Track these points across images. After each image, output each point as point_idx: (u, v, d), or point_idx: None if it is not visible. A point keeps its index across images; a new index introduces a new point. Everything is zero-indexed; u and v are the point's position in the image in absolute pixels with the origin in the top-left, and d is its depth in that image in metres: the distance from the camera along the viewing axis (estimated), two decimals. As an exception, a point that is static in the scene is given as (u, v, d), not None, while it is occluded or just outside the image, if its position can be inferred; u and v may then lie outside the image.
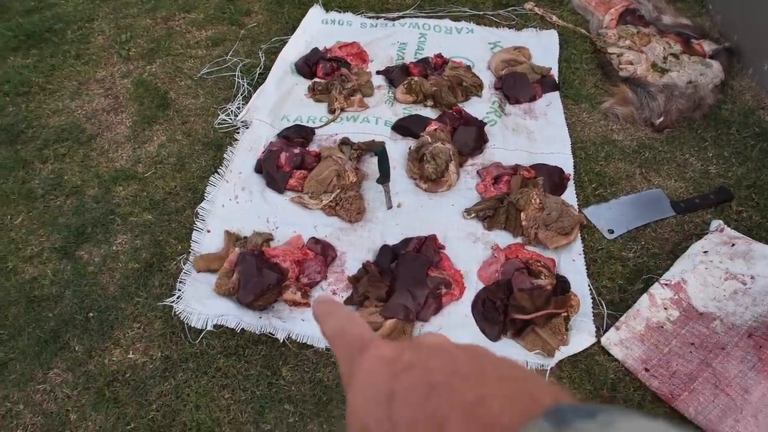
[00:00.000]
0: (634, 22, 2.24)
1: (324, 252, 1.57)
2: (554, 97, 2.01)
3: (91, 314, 1.52)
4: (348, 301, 1.50)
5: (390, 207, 1.68)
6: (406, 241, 1.57)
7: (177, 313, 1.48)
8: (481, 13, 2.38)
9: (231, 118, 1.97)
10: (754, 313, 1.42)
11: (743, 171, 1.81)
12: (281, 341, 1.43)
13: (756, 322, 1.40)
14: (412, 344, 0.25)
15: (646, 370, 1.40)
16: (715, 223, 1.60)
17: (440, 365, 0.23)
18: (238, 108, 2.00)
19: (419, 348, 0.25)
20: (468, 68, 2.08)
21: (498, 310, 1.45)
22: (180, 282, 1.54)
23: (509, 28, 2.31)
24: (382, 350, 0.25)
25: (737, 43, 2.16)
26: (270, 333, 1.45)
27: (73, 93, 2.13)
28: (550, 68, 2.09)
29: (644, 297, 1.48)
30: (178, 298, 1.51)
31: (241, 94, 2.05)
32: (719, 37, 2.21)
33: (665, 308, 1.47)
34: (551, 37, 2.23)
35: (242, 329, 1.45)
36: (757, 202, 1.72)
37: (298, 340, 1.44)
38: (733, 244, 1.54)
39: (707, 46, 2.13)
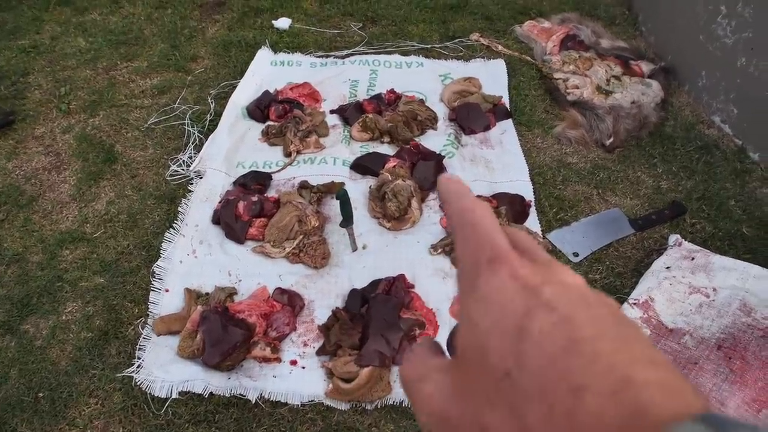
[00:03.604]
0: (575, 48, 2.33)
1: (291, 302, 1.52)
2: (508, 124, 2.05)
3: (41, 394, 1.40)
4: (320, 351, 1.44)
5: (355, 249, 1.64)
6: (375, 283, 1.53)
7: (138, 383, 1.38)
8: (428, 46, 2.42)
9: (183, 169, 1.90)
10: (720, 324, 1.45)
11: (692, 184, 1.88)
12: (253, 402, 1.36)
13: (723, 334, 1.43)
14: (552, 277, 0.22)
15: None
16: (673, 238, 1.65)
17: (585, 320, 0.20)
18: (190, 157, 1.94)
19: (562, 287, 0.21)
20: (421, 102, 2.09)
21: (474, 346, 1.42)
22: (139, 348, 1.45)
23: (457, 60, 2.35)
24: (519, 271, 0.22)
25: (672, 62, 2.28)
26: (240, 394, 1.37)
27: (9, 153, 2.01)
28: (501, 96, 2.13)
29: (615, 318, 1.49)
30: (138, 366, 1.41)
31: (193, 143, 1.99)
32: (654, 57, 2.33)
33: (636, 328, 1.48)
34: (499, 66, 2.29)
35: (210, 393, 1.37)
36: (708, 214, 1.79)
37: (271, 399, 1.37)
38: (693, 258, 1.58)
39: (645, 67, 2.23)
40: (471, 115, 2.03)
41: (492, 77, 2.23)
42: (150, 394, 1.37)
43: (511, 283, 0.22)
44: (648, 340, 0.20)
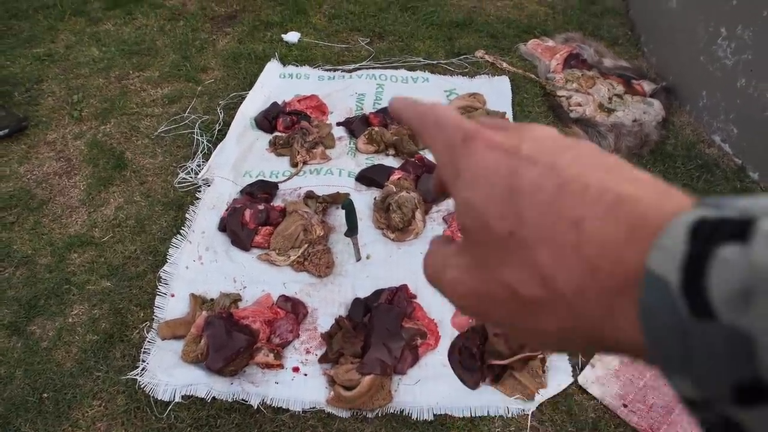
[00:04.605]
0: (578, 66, 2.38)
1: (295, 309, 1.54)
2: (511, 140, 2.08)
3: (45, 395, 1.41)
4: (323, 359, 1.46)
5: (359, 259, 1.66)
6: (378, 293, 1.55)
7: (142, 386, 1.40)
8: (434, 62, 2.47)
9: (191, 177, 1.93)
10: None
11: (692, 202, 1.90)
12: (255, 407, 1.37)
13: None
14: (525, 135, 0.23)
15: (625, 406, 1.41)
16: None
17: (567, 161, 0.21)
18: (199, 166, 1.97)
19: (537, 141, 0.22)
20: (426, 116, 2.13)
21: (474, 356, 1.44)
22: (144, 352, 1.47)
23: (463, 76, 2.39)
24: (494, 139, 0.23)
25: (673, 82, 2.32)
26: (243, 399, 1.38)
27: (21, 157, 2.05)
28: (505, 112, 2.17)
29: (615, 332, 1.51)
30: (142, 369, 1.43)
31: (201, 152, 2.03)
32: (656, 77, 2.37)
33: (636, 342, 1.50)
34: (503, 83, 2.33)
35: (213, 398, 1.38)
36: (708, 231, 1.80)
37: (272, 405, 1.38)
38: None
39: (647, 86, 2.27)
40: (475, 129, 2.06)
41: (496, 93, 2.27)
42: (153, 397, 1.39)
43: (489, 153, 0.23)
44: (629, 165, 0.21)
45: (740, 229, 0.16)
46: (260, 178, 1.91)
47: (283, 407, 1.37)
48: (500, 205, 0.21)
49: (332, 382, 1.40)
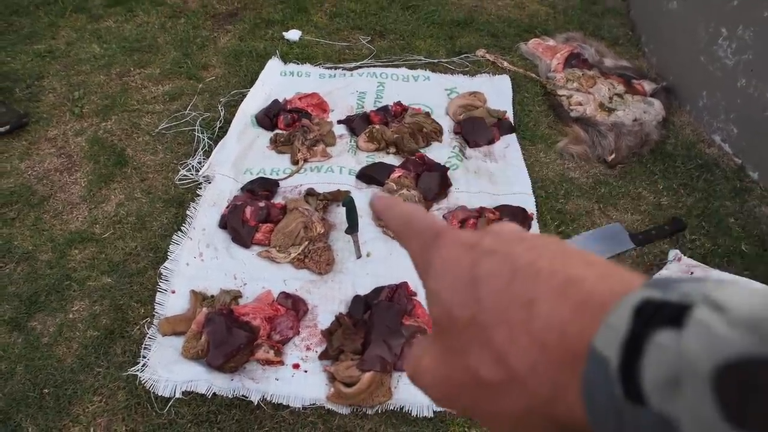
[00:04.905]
0: (578, 66, 2.38)
1: (295, 306, 1.54)
2: (511, 139, 2.09)
3: (45, 390, 1.41)
4: (323, 356, 1.46)
5: (359, 256, 1.67)
6: (378, 290, 1.56)
7: (142, 381, 1.40)
8: (435, 60, 2.47)
9: (192, 174, 1.93)
10: (718, 339, 1.47)
11: (692, 201, 1.91)
12: (255, 403, 1.37)
13: (721, 349, 1.45)
14: (488, 232, 0.25)
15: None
16: (673, 253, 1.67)
17: (522, 250, 0.22)
18: (199, 163, 1.97)
19: (497, 235, 0.24)
20: (427, 114, 2.13)
21: (475, 354, 1.45)
22: (144, 348, 1.47)
23: (463, 75, 2.40)
24: (460, 237, 0.25)
25: (673, 83, 2.32)
26: (243, 396, 1.39)
27: (22, 153, 2.05)
28: (505, 111, 2.17)
29: (614, 331, 1.51)
30: (143, 365, 1.43)
31: (202, 149, 2.03)
32: (656, 77, 2.37)
33: (635, 341, 1.50)
34: (504, 82, 2.33)
35: (213, 394, 1.38)
36: (708, 230, 1.81)
37: (273, 401, 1.38)
38: (692, 273, 1.60)
39: (647, 86, 2.28)
40: (476, 128, 2.07)
41: (497, 92, 2.28)
42: (153, 393, 1.39)
43: (455, 248, 0.24)
44: (585, 252, 0.22)
45: (678, 315, 0.16)
46: (261, 175, 1.91)
47: (283, 404, 1.38)
48: (462, 294, 0.23)
49: (332, 378, 1.40)
